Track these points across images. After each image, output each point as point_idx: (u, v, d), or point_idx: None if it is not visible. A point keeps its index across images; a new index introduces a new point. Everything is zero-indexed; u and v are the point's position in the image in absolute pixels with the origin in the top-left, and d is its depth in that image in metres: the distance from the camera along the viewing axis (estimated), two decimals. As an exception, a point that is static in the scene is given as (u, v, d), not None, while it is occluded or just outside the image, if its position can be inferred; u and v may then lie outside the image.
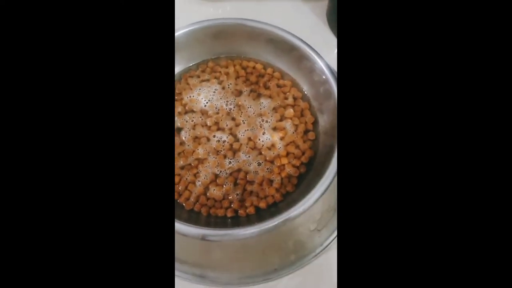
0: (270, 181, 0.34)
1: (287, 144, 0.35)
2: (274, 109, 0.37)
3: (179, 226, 0.29)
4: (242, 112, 0.36)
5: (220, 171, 0.34)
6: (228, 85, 0.38)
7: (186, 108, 0.37)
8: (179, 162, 0.34)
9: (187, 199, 0.33)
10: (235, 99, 0.37)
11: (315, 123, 0.36)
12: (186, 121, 0.36)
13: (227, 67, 0.39)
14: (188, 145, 0.35)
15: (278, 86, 0.38)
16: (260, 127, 0.36)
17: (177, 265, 0.32)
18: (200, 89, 0.37)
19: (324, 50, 0.36)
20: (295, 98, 0.37)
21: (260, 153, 0.35)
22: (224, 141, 0.35)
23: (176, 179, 0.34)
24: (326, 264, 0.33)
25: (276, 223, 0.29)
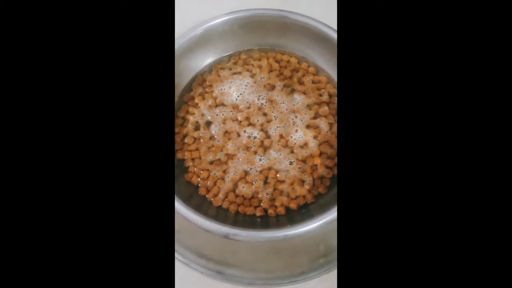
0: (302, 181, 0.32)
1: (321, 144, 0.33)
2: (308, 106, 0.35)
3: (203, 222, 0.28)
4: (274, 107, 0.35)
5: (250, 168, 0.33)
6: (261, 78, 0.36)
7: (217, 101, 0.35)
8: (208, 157, 0.33)
9: (216, 195, 0.32)
10: (267, 93, 0.36)
11: (350, 122, 0.35)
12: (217, 115, 0.35)
13: (260, 60, 0.37)
14: (218, 140, 0.34)
15: (313, 82, 0.36)
16: (293, 124, 0.34)
17: (201, 261, 0.31)
18: (231, 81, 0.36)
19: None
20: (330, 95, 0.36)
21: (292, 152, 0.33)
22: (255, 137, 0.34)
23: (205, 174, 0.33)
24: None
25: (306, 228, 0.28)
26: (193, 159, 0.33)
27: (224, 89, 0.36)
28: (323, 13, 0.36)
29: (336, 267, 0.31)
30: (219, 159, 0.33)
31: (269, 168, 0.33)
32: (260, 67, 0.37)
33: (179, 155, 0.34)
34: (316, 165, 0.33)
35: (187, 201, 0.29)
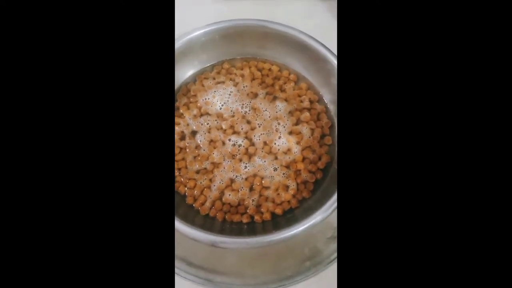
0: (286, 187, 0.33)
1: (304, 149, 0.34)
2: (290, 113, 0.36)
3: (190, 231, 0.29)
4: (257, 115, 0.36)
5: (236, 176, 0.34)
6: (244, 87, 0.37)
7: (201, 110, 0.36)
8: (194, 166, 0.34)
9: (202, 204, 0.33)
10: (250, 101, 0.36)
11: (332, 127, 0.36)
12: (201, 124, 0.35)
13: (242, 69, 0.38)
14: (204, 149, 0.34)
15: (294, 89, 0.37)
16: (276, 131, 0.35)
17: (190, 269, 0.32)
18: (215, 91, 0.37)
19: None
20: (311, 101, 0.37)
21: (276, 158, 0.34)
22: (239, 145, 0.35)
23: (191, 183, 0.33)
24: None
25: (291, 233, 0.29)
26: (179, 169, 0.34)
27: (208, 99, 0.37)
28: (302, 22, 0.37)
29: (322, 269, 0.32)
30: (205, 168, 0.34)
31: (254, 175, 0.34)
32: (242, 76, 0.38)
33: (165, 165, 0.34)
34: (299, 170, 0.34)
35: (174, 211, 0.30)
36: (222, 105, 0.36)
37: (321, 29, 0.38)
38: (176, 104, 0.37)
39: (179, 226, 0.29)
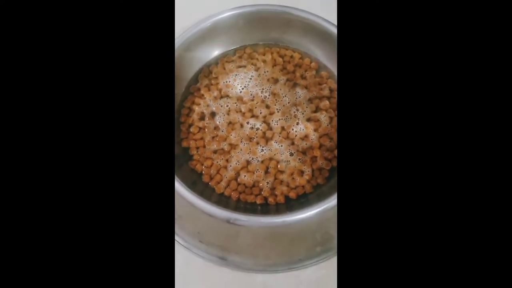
0: (301, 172, 0.33)
1: (321, 136, 0.35)
2: (310, 100, 0.36)
3: (206, 206, 0.29)
4: (277, 100, 0.36)
5: (252, 158, 0.34)
6: (265, 72, 0.37)
7: (222, 93, 0.37)
8: (212, 146, 0.34)
9: (218, 182, 0.33)
10: (270, 87, 0.37)
11: (350, 116, 0.36)
12: (221, 106, 0.36)
13: (264, 54, 0.38)
14: (222, 130, 0.35)
15: (315, 77, 0.37)
16: (294, 117, 0.35)
17: (202, 246, 0.33)
18: (236, 74, 0.37)
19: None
20: (331, 90, 0.37)
21: (293, 143, 0.35)
22: (257, 129, 0.35)
23: (208, 162, 0.34)
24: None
25: (304, 215, 0.29)
26: (197, 148, 0.35)
27: (229, 82, 0.37)
28: (324, 9, 0.37)
29: (333, 256, 0.32)
30: (222, 149, 0.34)
31: (270, 159, 0.34)
32: (264, 61, 0.38)
33: (184, 144, 0.35)
34: (315, 157, 0.34)
35: (191, 187, 0.30)
36: (242, 89, 0.37)
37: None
38: (198, 85, 0.37)
39: (196, 201, 0.29)
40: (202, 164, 0.34)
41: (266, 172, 0.34)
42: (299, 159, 0.34)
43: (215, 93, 0.37)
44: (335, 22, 0.36)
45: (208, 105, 0.36)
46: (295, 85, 0.37)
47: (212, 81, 0.37)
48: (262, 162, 0.34)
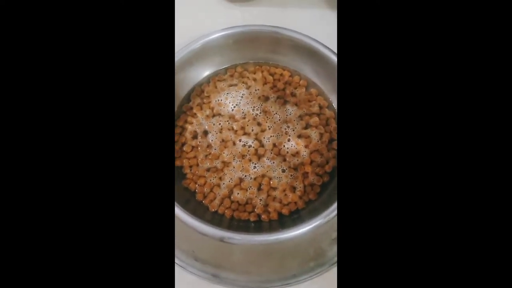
0: (293, 188, 0.34)
1: (312, 152, 0.35)
2: (300, 117, 0.37)
3: (199, 225, 0.30)
4: (268, 118, 0.37)
5: (245, 175, 0.35)
6: (256, 90, 0.38)
7: (214, 111, 0.37)
8: (205, 164, 0.35)
9: (212, 200, 0.34)
10: (261, 104, 0.38)
11: (339, 132, 0.37)
12: (213, 124, 0.37)
13: (254, 73, 0.39)
14: (215, 149, 0.36)
15: (305, 94, 0.38)
16: (285, 134, 0.36)
17: (196, 264, 0.33)
18: (228, 93, 0.38)
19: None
20: (321, 107, 0.38)
21: (285, 160, 0.35)
22: (249, 146, 0.36)
23: (202, 180, 0.34)
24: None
25: (297, 232, 0.29)
26: (190, 166, 0.35)
27: (221, 100, 0.38)
28: (314, 29, 0.38)
29: (326, 270, 0.33)
30: (215, 167, 0.35)
31: (263, 176, 0.35)
32: (255, 79, 0.39)
33: (177, 163, 0.35)
34: (307, 173, 0.35)
35: (184, 206, 0.31)
36: (234, 107, 0.38)
37: (332, 36, 0.39)
38: (190, 104, 0.38)
39: (189, 220, 0.30)
40: (196, 183, 0.34)
41: (259, 189, 0.34)
42: (291, 175, 0.35)
43: (208, 112, 0.37)
44: (322, 41, 0.37)
45: (200, 124, 0.37)
46: (285, 102, 0.38)
47: (204, 100, 0.38)
48: (255, 179, 0.34)
